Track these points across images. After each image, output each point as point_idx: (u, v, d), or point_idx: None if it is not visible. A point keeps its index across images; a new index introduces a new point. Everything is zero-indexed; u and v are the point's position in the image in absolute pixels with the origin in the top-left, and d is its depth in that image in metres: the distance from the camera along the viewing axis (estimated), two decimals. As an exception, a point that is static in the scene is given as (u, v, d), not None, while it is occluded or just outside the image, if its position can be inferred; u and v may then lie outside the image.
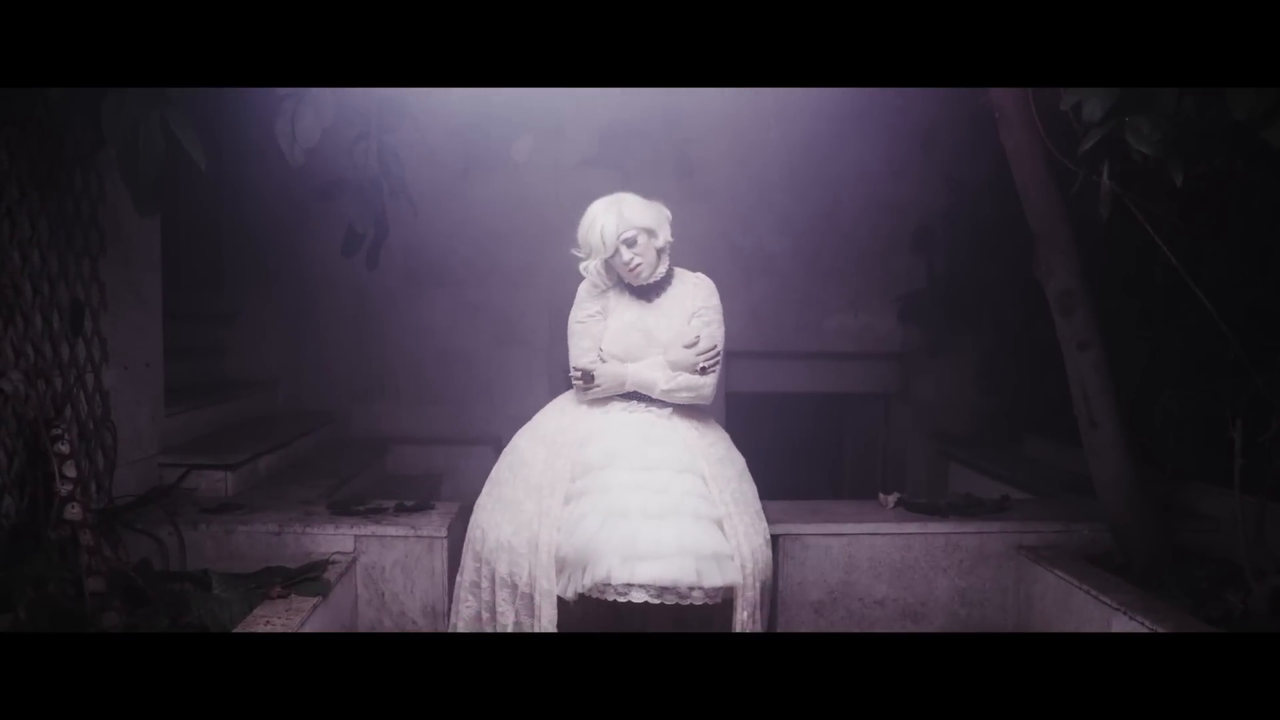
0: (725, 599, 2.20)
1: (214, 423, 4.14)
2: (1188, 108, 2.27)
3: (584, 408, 2.45)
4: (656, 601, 2.09)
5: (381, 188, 3.33)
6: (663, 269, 2.42)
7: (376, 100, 3.14)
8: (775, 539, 2.85)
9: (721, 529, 2.23)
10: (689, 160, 4.83)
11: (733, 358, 5.10)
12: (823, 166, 5.16)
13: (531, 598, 2.25)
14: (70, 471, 2.55)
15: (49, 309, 2.75)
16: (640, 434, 2.33)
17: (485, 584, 2.40)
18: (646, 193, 2.50)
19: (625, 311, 2.44)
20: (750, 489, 2.47)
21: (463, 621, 2.49)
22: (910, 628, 3.23)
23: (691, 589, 2.09)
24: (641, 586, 2.08)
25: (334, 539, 3.06)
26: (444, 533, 3.09)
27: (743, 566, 2.21)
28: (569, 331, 2.50)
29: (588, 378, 2.39)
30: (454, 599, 2.58)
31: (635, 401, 2.40)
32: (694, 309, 2.45)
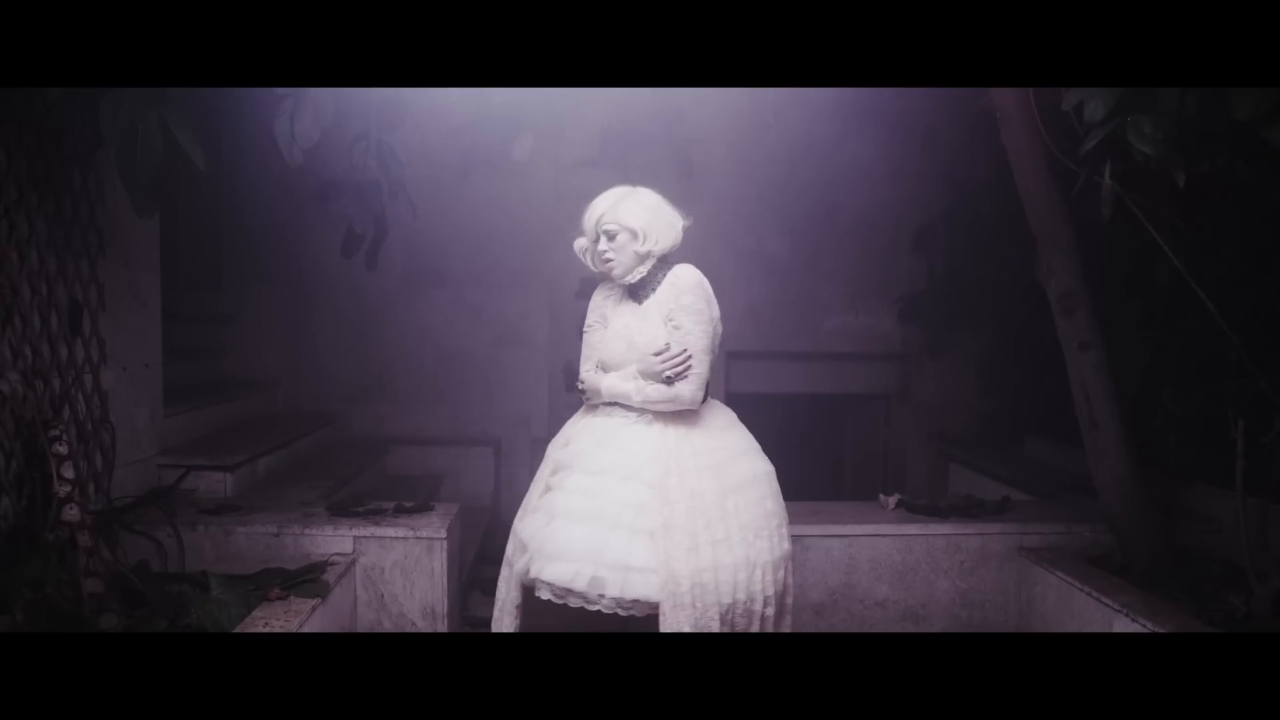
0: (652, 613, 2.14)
1: (213, 423, 4.13)
2: (1189, 108, 2.27)
3: (590, 410, 2.46)
4: (560, 602, 2.14)
5: (381, 188, 3.32)
6: (642, 270, 2.32)
7: (376, 100, 3.13)
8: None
9: (657, 541, 2.14)
10: (689, 160, 4.81)
11: (732, 358, 5.11)
12: (823, 167, 5.16)
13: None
14: (68, 472, 2.54)
15: (47, 309, 2.74)
16: (599, 439, 2.30)
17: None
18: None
19: (617, 317, 2.40)
20: (744, 504, 2.26)
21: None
22: (911, 629, 3.23)
23: (600, 596, 2.11)
24: (547, 584, 2.15)
25: (333, 540, 3.05)
26: (443, 534, 3.08)
27: (666, 584, 2.10)
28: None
29: (584, 389, 2.40)
30: None
31: (619, 406, 2.38)
32: (666, 312, 2.31)
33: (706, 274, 2.49)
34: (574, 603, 2.13)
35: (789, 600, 2.31)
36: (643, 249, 2.31)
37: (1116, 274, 3.57)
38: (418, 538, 3.07)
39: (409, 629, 3.07)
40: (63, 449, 2.56)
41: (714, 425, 2.36)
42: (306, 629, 2.51)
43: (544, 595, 2.16)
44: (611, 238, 2.30)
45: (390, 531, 3.08)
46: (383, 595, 3.07)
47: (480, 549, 4.19)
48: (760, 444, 2.41)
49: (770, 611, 2.23)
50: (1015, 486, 4.11)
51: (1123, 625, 2.56)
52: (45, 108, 2.62)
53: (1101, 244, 3.16)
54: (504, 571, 2.38)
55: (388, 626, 3.07)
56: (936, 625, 3.23)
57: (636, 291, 2.38)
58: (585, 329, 2.48)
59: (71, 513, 2.51)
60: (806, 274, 5.35)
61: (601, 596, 2.11)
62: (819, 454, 5.87)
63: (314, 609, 2.61)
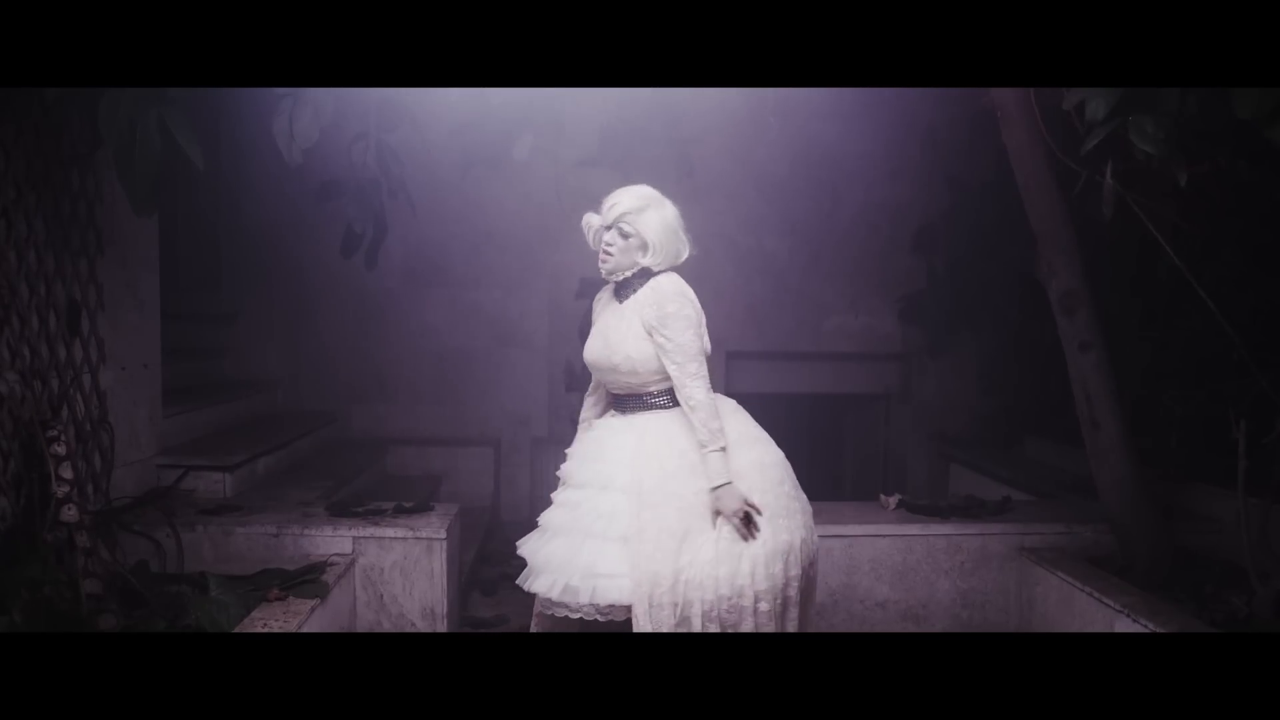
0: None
1: (212, 424, 4.13)
2: (1191, 107, 2.26)
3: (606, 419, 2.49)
4: (548, 613, 2.25)
5: (380, 187, 3.31)
6: (628, 274, 2.32)
7: (375, 100, 3.12)
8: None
9: (627, 546, 2.16)
10: (689, 160, 4.80)
11: (732, 358, 5.10)
12: (823, 166, 5.15)
13: None
14: (67, 473, 2.53)
15: (46, 309, 2.73)
16: (585, 453, 2.39)
17: None
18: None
19: (599, 318, 2.44)
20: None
21: None
22: (911, 630, 3.22)
23: (579, 604, 2.17)
24: (536, 597, 2.27)
25: (332, 540, 3.05)
26: (443, 534, 3.07)
27: (639, 586, 2.11)
28: None
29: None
30: None
31: (614, 416, 2.40)
32: (647, 326, 2.25)
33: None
34: (560, 612, 2.20)
35: (793, 593, 2.23)
36: (644, 261, 2.30)
37: (1117, 274, 3.57)
38: (417, 538, 3.07)
39: (408, 629, 3.06)
40: (61, 449, 2.55)
41: (679, 427, 2.30)
42: (306, 630, 2.50)
43: (537, 607, 2.29)
44: (625, 236, 2.29)
45: (390, 532, 3.07)
46: (382, 596, 3.06)
47: (480, 549, 4.18)
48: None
49: (766, 606, 2.17)
50: (1016, 487, 4.11)
51: (1124, 626, 2.55)
52: (43, 107, 2.61)
53: (1102, 244, 3.16)
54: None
55: (387, 627, 3.06)
56: (937, 626, 3.22)
57: (620, 290, 2.38)
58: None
59: (70, 513, 2.50)
60: (807, 273, 5.34)
61: (578, 605, 2.18)
62: (819, 454, 5.87)
63: (313, 610, 2.60)
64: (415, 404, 5.24)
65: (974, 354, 5.29)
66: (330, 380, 5.16)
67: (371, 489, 4.17)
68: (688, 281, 2.36)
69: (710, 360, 2.33)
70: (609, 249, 2.31)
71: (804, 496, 2.35)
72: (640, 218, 2.28)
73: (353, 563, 3.02)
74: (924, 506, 3.47)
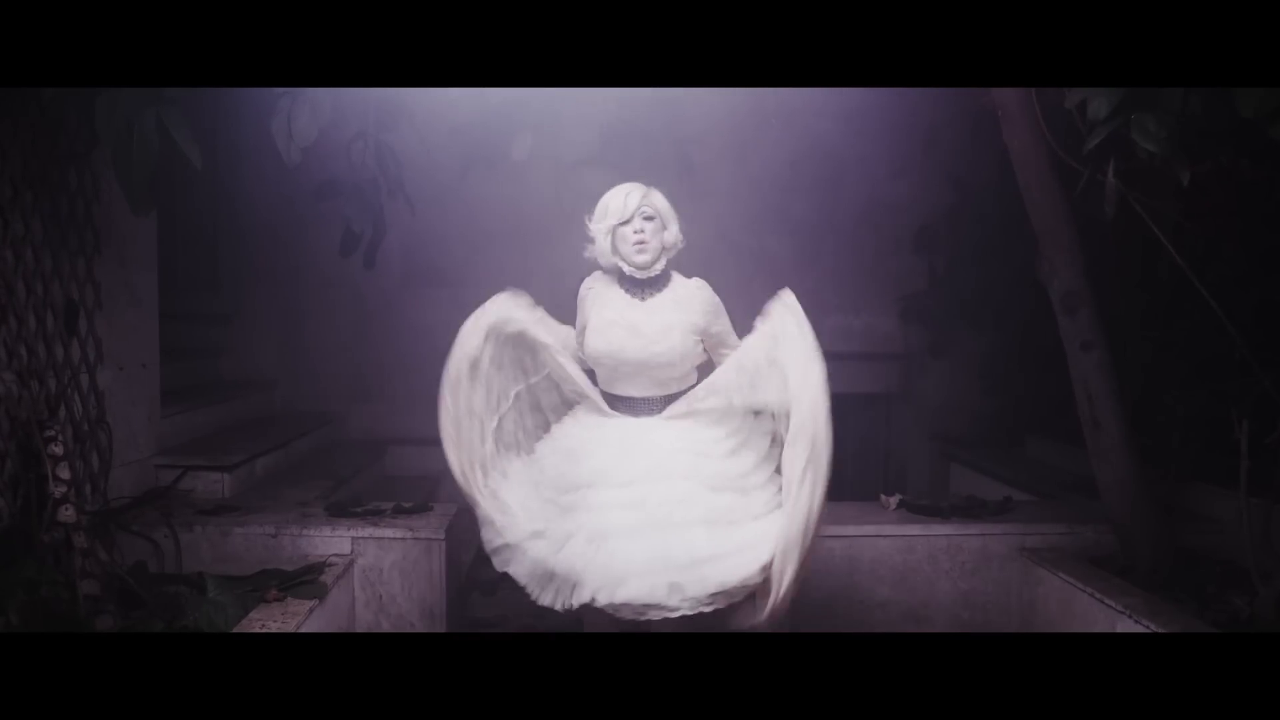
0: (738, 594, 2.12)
1: (211, 424, 4.12)
2: (1194, 105, 2.25)
3: (580, 417, 2.42)
4: (644, 618, 2.10)
5: (379, 187, 3.30)
6: (659, 266, 2.38)
7: (374, 99, 3.12)
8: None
9: (712, 529, 2.14)
10: (689, 159, 4.78)
11: (733, 358, 5.08)
12: (824, 166, 5.13)
13: None
14: (64, 473, 2.52)
15: (43, 309, 2.72)
16: (622, 449, 2.28)
17: None
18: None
19: (608, 309, 2.37)
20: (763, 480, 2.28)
21: None
22: (912, 631, 3.21)
23: (681, 600, 2.06)
24: (623, 605, 2.09)
25: (331, 541, 3.04)
26: (442, 535, 3.06)
27: (750, 561, 2.08)
28: None
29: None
30: None
31: (623, 412, 2.37)
32: (705, 318, 2.38)
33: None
34: (655, 615, 2.08)
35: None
36: (669, 240, 2.37)
37: (1119, 273, 3.55)
38: (416, 538, 3.06)
39: (407, 630, 3.05)
40: (58, 449, 2.54)
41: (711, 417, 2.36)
42: (304, 630, 2.49)
43: (626, 615, 2.10)
44: (649, 219, 2.34)
45: (388, 532, 3.06)
46: (381, 596, 3.05)
47: (479, 550, 4.15)
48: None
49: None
50: (1017, 487, 4.09)
51: (1126, 627, 2.54)
52: (40, 106, 2.60)
53: (1104, 243, 3.14)
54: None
55: (386, 628, 3.05)
56: (938, 626, 3.21)
57: (638, 288, 2.37)
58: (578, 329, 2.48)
59: (67, 513, 2.49)
60: (807, 273, 5.31)
61: (683, 601, 2.07)
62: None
63: (312, 610, 2.59)
64: (414, 404, 5.16)
65: (975, 354, 5.27)
66: (329, 380, 5.15)
67: (370, 489, 4.16)
68: (688, 278, 2.46)
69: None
70: (643, 236, 2.33)
71: None
72: (651, 198, 2.37)
73: (351, 563, 3.01)
74: (925, 507, 3.46)
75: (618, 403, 2.39)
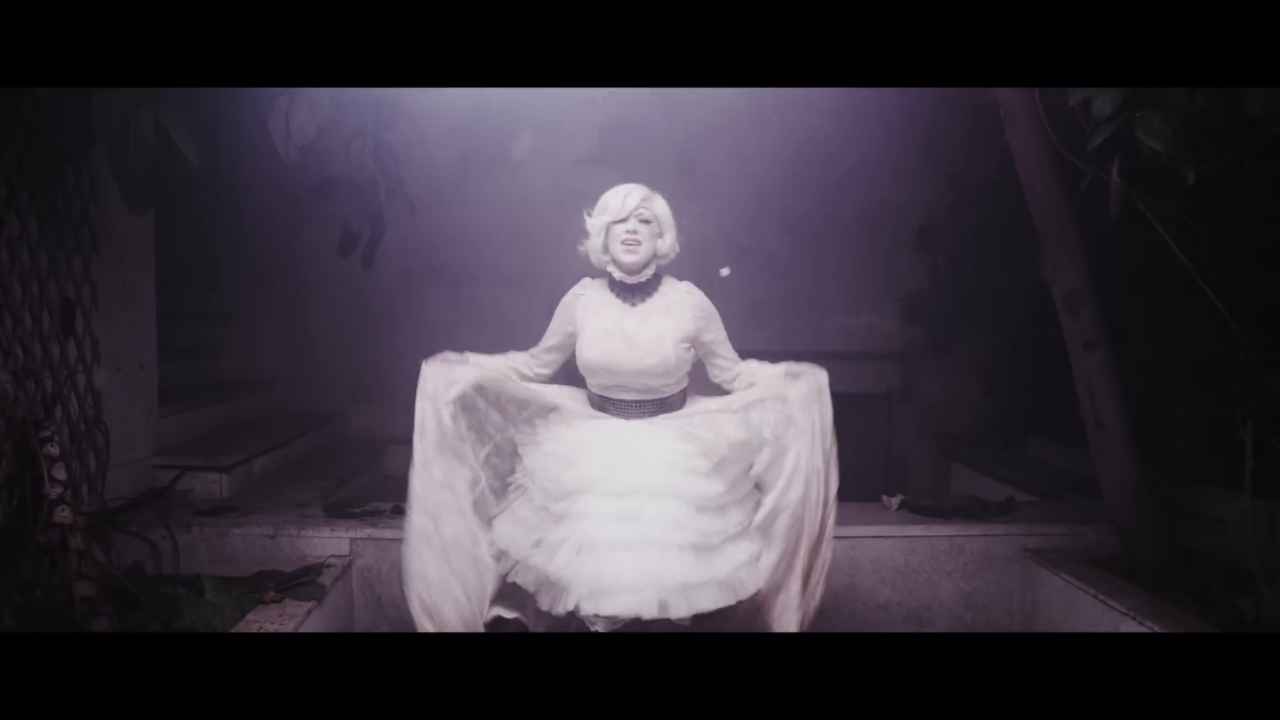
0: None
1: (209, 424, 4.10)
2: (1199, 102, 2.23)
3: (567, 419, 2.40)
4: (616, 629, 2.11)
5: (378, 186, 3.29)
6: (648, 272, 2.36)
7: (373, 97, 3.10)
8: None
9: (700, 552, 2.15)
10: (690, 158, 4.76)
11: (733, 358, 5.07)
12: (824, 165, 5.12)
13: None
14: (60, 474, 2.50)
15: (39, 308, 2.70)
16: (615, 457, 2.25)
17: None
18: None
19: (602, 316, 2.36)
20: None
21: None
22: (914, 632, 3.19)
23: (675, 619, 2.09)
24: (607, 618, 2.10)
25: (329, 542, 3.02)
26: (441, 536, 3.04)
27: (734, 587, 2.14)
28: None
29: None
30: None
31: (615, 416, 2.35)
32: (695, 325, 2.36)
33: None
34: (636, 629, 2.10)
35: None
36: (662, 248, 2.35)
37: (1121, 273, 3.53)
38: (415, 540, 3.03)
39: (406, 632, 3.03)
40: (54, 450, 2.52)
41: (704, 423, 2.36)
42: (302, 632, 2.47)
43: (603, 628, 2.11)
44: (645, 222, 2.32)
45: (388, 533, 3.04)
46: (380, 598, 3.04)
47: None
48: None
49: None
50: (1019, 487, 4.08)
51: (1130, 629, 2.52)
52: (35, 104, 2.58)
53: (1106, 242, 3.12)
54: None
55: (385, 629, 3.03)
56: (940, 628, 3.19)
57: (629, 293, 2.35)
58: (549, 333, 2.48)
59: (63, 514, 2.47)
60: (808, 273, 5.32)
61: (666, 615, 2.08)
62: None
63: (310, 612, 2.58)
64: (414, 404, 5.19)
65: (977, 353, 5.26)
66: (328, 380, 5.13)
67: (370, 489, 4.14)
68: (689, 278, 2.45)
69: None
70: (635, 237, 2.30)
71: None
72: (652, 203, 2.34)
73: (350, 564, 3.00)
74: (926, 507, 3.45)
75: (609, 404, 2.38)
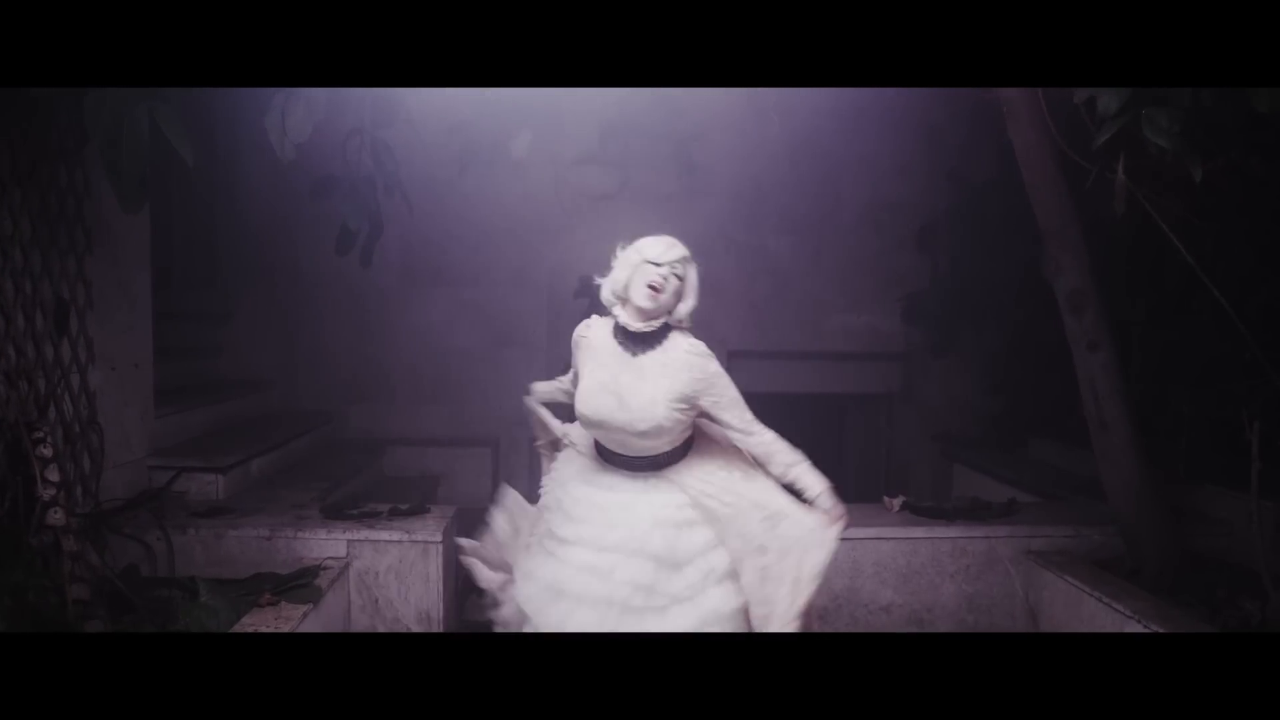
0: None
1: (206, 424, 4.07)
2: (1206, 100, 2.21)
3: (578, 460, 2.41)
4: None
5: (375, 184, 3.25)
6: (655, 324, 2.26)
7: (370, 95, 3.07)
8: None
9: (664, 616, 2.16)
10: (690, 157, 4.76)
11: (733, 357, 5.04)
12: (825, 164, 5.10)
13: None
14: (53, 475, 2.48)
15: (31, 308, 2.68)
16: (608, 518, 2.25)
17: None
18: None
19: (601, 368, 2.28)
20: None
21: None
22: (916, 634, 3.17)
23: None
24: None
25: (326, 544, 2.99)
26: (439, 537, 3.02)
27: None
28: None
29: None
30: None
31: (615, 472, 2.32)
32: (692, 388, 2.23)
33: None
34: None
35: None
36: (680, 311, 2.29)
37: (1125, 272, 3.51)
38: (413, 541, 3.01)
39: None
40: (47, 451, 2.49)
41: (683, 478, 2.31)
42: (300, 632, 2.45)
43: None
44: (678, 274, 2.26)
45: (385, 535, 3.02)
46: (377, 600, 3.01)
47: (477, 551, 4.12)
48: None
49: None
50: (1020, 488, 4.05)
51: (1134, 631, 2.49)
52: (29, 101, 2.55)
53: (1110, 241, 3.10)
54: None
55: (382, 631, 3.01)
56: (942, 630, 3.17)
57: (633, 341, 2.29)
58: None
59: (56, 516, 2.45)
60: (808, 272, 5.29)
61: None
62: (821, 455, 5.77)
63: (306, 614, 2.55)
64: (412, 404, 5.19)
65: (977, 353, 5.24)
66: (327, 380, 5.11)
67: (368, 490, 4.12)
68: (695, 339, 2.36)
69: None
70: (661, 286, 2.22)
71: None
72: (689, 267, 2.29)
73: (347, 566, 2.97)
74: (928, 509, 3.42)
75: (612, 456, 2.33)
